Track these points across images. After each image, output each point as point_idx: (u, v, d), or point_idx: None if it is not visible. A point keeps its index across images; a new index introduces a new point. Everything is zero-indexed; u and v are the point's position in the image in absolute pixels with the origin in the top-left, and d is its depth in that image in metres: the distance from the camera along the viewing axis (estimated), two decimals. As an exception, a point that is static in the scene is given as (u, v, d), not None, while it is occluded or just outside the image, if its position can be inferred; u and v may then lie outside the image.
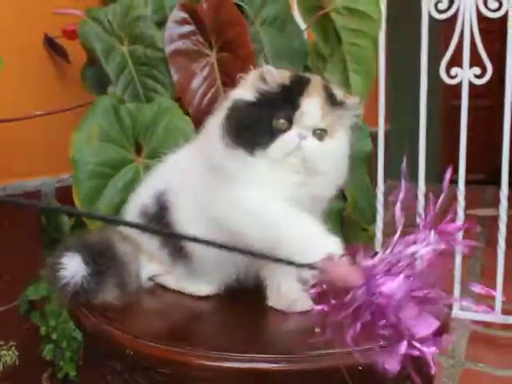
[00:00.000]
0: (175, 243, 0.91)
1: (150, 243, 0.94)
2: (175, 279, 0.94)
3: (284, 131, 0.79)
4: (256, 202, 0.80)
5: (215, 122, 0.84)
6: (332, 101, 0.82)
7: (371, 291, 0.60)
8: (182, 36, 1.41)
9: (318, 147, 0.80)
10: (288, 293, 0.85)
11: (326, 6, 1.66)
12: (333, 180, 0.85)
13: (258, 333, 0.79)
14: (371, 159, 1.55)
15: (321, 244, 0.75)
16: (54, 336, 1.38)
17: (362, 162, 1.51)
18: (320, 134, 0.81)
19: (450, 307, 0.88)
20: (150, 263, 0.96)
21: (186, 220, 0.89)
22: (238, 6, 1.47)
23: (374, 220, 1.52)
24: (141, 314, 0.87)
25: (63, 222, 1.37)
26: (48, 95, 1.61)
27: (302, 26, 1.72)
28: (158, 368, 0.73)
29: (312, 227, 0.78)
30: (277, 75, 0.80)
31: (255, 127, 0.80)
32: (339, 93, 0.83)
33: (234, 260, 0.86)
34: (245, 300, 0.87)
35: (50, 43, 1.61)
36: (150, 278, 0.97)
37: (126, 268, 0.93)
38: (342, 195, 1.40)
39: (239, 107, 0.81)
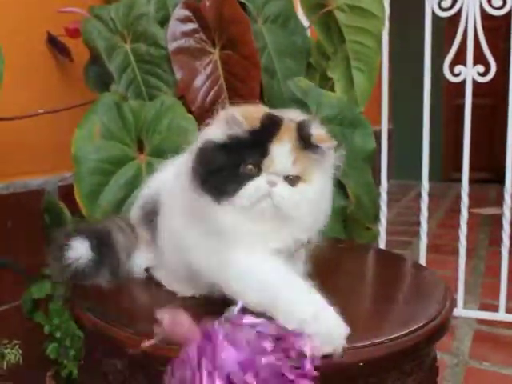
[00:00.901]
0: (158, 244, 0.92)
1: (146, 234, 0.97)
2: (165, 275, 0.94)
3: (252, 177, 0.75)
4: (244, 265, 0.77)
5: (188, 160, 0.81)
6: (305, 144, 0.76)
7: (204, 351, 0.60)
8: (185, 34, 1.41)
9: (289, 193, 0.76)
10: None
11: (329, 4, 1.66)
12: (308, 224, 0.80)
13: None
14: (374, 158, 1.55)
15: (306, 303, 0.73)
16: (57, 334, 1.38)
17: (365, 161, 1.51)
18: (292, 179, 0.76)
19: (452, 305, 0.87)
20: (146, 252, 0.97)
21: (165, 232, 0.91)
22: (241, 4, 1.47)
23: (377, 219, 1.51)
24: (141, 312, 0.87)
25: (66, 220, 1.36)
26: (51, 94, 1.61)
27: (305, 23, 1.72)
28: (159, 367, 0.73)
29: (298, 285, 0.75)
30: (243, 121, 0.75)
31: (222, 173, 0.76)
32: (317, 134, 0.77)
33: None
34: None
35: (53, 42, 1.60)
36: (146, 269, 0.98)
37: (119, 256, 0.96)
38: (345, 194, 1.40)
39: (208, 150, 0.78)
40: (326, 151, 0.77)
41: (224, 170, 0.76)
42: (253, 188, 0.75)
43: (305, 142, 0.76)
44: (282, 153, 0.75)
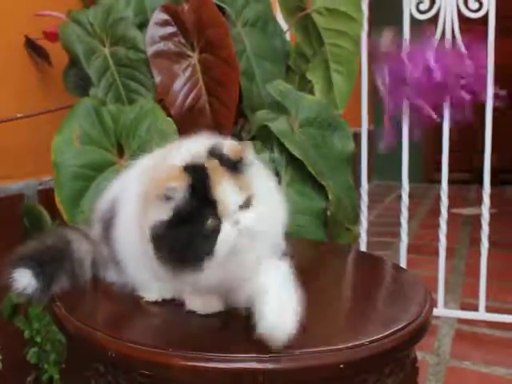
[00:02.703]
0: (112, 254, 0.91)
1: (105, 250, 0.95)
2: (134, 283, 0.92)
3: (217, 229, 0.73)
4: None
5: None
6: (232, 166, 0.75)
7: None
8: (164, 37, 1.41)
9: (252, 217, 0.75)
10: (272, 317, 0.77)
11: (308, 7, 1.67)
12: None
13: (240, 333, 0.79)
14: (355, 159, 1.56)
15: None
16: (38, 339, 1.37)
17: (344, 162, 1.52)
18: (246, 203, 0.75)
19: (432, 306, 0.88)
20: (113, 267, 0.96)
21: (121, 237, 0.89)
22: (220, 8, 1.48)
23: (357, 220, 1.52)
24: (123, 316, 0.87)
25: (46, 224, 1.36)
26: (29, 97, 1.60)
27: (284, 26, 1.73)
28: (140, 370, 0.73)
29: None
30: (177, 185, 0.72)
31: (191, 244, 0.74)
32: (231, 149, 0.76)
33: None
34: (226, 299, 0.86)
35: (32, 45, 1.60)
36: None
37: (79, 263, 0.95)
38: (325, 195, 1.41)
39: (162, 235, 0.75)
40: (247, 160, 0.77)
41: (191, 241, 0.74)
42: (224, 239, 0.73)
43: (229, 165, 0.75)
44: (227, 192, 0.74)
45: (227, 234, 0.73)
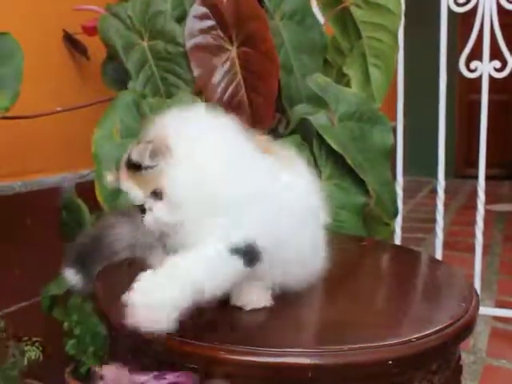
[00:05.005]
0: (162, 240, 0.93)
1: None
2: None
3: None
4: None
5: None
6: (136, 167, 0.80)
7: None
8: (203, 31, 1.41)
9: (161, 206, 0.79)
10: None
11: (345, 0, 1.65)
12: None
13: (289, 327, 0.78)
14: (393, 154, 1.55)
15: None
16: (76, 331, 1.38)
17: (383, 157, 1.50)
18: (156, 195, 0.80)
19: (478, 303, 0.87)
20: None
21: None
22: (258, 1, 1.47)
23: (397, 214, 1.51)
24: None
25: (85, 217, 1.37)
26: (68, 91, 1.61)
27: (321, 19, 1.71)
28: (185, 363, 0.72)
29: None
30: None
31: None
32: (133, 156, 0.80)
33: None
34: (273, 294, 0.86)
35: (70, 40, 1.61)
36: None
37: (113, 245, 1.01)
38: (364, 190, 1.40)
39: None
40: (146, 162, 0.79)
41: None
42: (147, 220, 0.81)
43: (134, 167, 0.80)
44: (129, 189, 0.81)
45: (147, 219, 0.82)
